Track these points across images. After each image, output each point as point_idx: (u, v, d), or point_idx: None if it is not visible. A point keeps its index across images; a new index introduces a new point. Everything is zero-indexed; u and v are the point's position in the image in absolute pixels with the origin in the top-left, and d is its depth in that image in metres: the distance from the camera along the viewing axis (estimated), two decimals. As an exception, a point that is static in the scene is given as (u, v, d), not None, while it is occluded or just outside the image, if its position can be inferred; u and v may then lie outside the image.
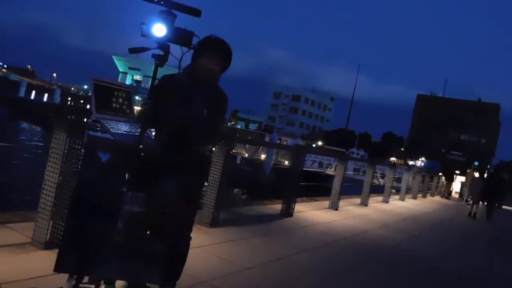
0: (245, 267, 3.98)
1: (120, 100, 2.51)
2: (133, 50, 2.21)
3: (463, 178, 21.55)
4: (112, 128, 2.38)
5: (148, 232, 2.04)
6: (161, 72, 2.49)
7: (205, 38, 2.48)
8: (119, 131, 2.40)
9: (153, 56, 2.26)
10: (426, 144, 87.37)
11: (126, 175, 1.97)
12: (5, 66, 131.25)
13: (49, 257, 2.68)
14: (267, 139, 32.11)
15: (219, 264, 3.90)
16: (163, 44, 2.26)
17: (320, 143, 63.56)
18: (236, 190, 18.77)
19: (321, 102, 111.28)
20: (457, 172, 23.29)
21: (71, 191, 3.16)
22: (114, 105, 2.47)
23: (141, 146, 2.19)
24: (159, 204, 2.38)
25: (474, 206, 13.37)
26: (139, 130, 2.41)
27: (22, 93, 54.19)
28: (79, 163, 3.10)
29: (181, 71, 2.64)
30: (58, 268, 1.87)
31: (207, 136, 2.74)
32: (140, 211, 2.08)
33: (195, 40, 2.41)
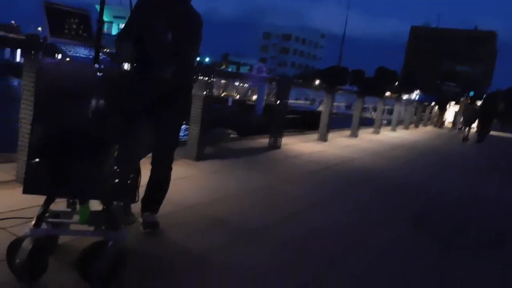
0: (230, 194, 4.03)
1: (76, 24, 2.42)
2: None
3: (457, 108, 21.55)
4: (70, 52, 2.31)
5: (119, 154, 2.02)
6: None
7: None
8: (78, 55, 2.33)
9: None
10: (421, 77, 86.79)
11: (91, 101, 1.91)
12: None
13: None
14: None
15: (203, 192, 3.93)
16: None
17: (317, 82, 62.96)
18: (224, 129, 18.65)
19: (312, 40, 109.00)
20: (452, 102, 23.24)
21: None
22: (70, 29, 2.38)
23: (101, 66, 2.13)
24: (129, 130, 2.35)
25: (466, 129, 14.43)
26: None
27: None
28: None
29: None
30: (26, 190, 1.89)
31: (172, 59, 2.65)
32: (111, 136, 2.05)
33: None
